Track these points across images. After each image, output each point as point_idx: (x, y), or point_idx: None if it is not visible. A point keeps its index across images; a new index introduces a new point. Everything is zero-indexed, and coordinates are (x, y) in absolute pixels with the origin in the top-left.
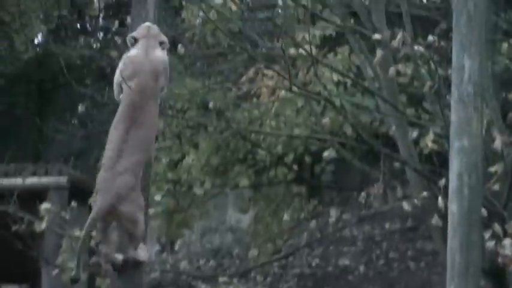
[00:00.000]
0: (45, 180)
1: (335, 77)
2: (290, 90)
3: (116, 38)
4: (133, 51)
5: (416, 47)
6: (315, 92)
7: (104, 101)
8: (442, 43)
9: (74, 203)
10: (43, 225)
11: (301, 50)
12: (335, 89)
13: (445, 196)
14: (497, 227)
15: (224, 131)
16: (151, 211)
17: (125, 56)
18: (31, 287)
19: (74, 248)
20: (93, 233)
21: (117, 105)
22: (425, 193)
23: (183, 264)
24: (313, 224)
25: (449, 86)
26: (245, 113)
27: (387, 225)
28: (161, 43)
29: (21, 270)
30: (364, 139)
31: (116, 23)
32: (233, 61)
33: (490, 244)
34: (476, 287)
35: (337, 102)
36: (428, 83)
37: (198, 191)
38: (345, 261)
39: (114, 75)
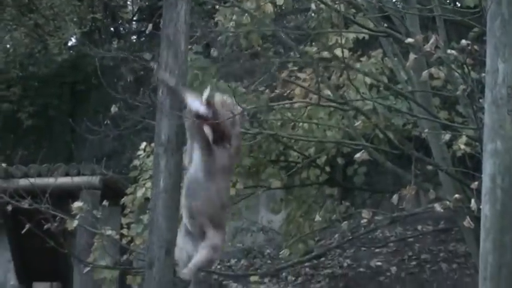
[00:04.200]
0: (77, 179)
1: (368, 80)
2: (318, 104)
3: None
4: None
5: (449, 51)
6: (342, 102)
7: (136, 103)
8: (476, 47)
9: (105, 202)
10: (75, 223)
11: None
12: (368, 92)
13: (478, 198)
14: None
15: (257, 135)
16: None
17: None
18: (63, 285)
19: (106, 246)
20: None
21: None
22: (457, 195)
23: (215, 264)
24: (344, 225)
25: (482, 89)
26: (277, 115)
27: (419, 227)
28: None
29: (52, 268)
30: (395, 143)
31: (149, 26)
32: (266, 64)
33: None
34: None
35: (370, 106)
36: (462, 86)
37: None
38: (376, 262)
39: (147, 78)
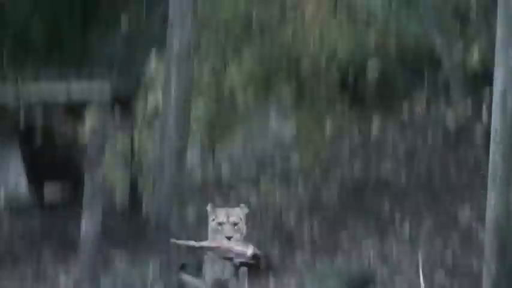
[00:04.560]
0: (87, 88)
1: None
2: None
3: None
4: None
5: None
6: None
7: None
8: None
9: (116, 113)
10: (86, 135)
11: None
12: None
13: (489, 110)
14: None
15: (268, 45)
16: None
17: None
18: (73, 188)
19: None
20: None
21: None
22: (468, 105)
23: (225, 169)
24: (355, 132)
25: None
26: (289, 25)
27: (430, 136)
28: None
29: (64, 171)
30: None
31: None
32: None
33: None
34: None
35: (381, 17)
36: None
37: (240, 98)
38: (386, 171)
39: None
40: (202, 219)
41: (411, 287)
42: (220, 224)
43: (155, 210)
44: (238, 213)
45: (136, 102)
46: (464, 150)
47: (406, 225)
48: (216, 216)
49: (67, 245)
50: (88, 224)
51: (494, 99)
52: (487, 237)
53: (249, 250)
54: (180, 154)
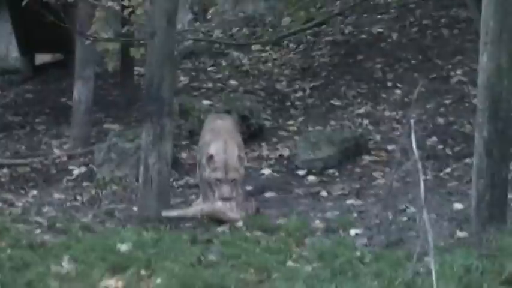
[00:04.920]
0: None
1: None
2: None
3: None
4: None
5: None
6: None
7: None
8: None
9: None
10: None
11: None
12: None
13: None
14: None
15: None
16: None
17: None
18: (65, 55)
19: (107, 17)
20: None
21: None
22: None
23: (216, 33)
24: None
25: None
26: None
27: None
28: None
29: (54, 40)
30: None
31: None
32: None
33: None
34: (509, 53)
35: None
36: None
37: None
38: (378, 29)
39: None
40: (194, 87)
41: (404, 152)
42: (218, 180)
43: (147, 77)
44: (237, 168)
45: None
46: (456, 11)
47: (398, 89)
48: (214, 169)
49: (59, 112)
50: (80, 91)
51: None
52: (479, 99)
53: (240, 216)
54: (171, 17)
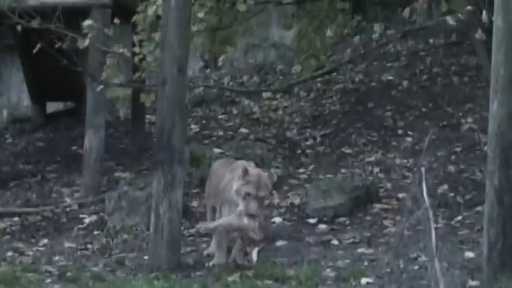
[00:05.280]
0: None
1: None
2: None
3: None
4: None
5: None
6: None
7: None
8: None
9: (116, 20)
10: (86, 42)
11: None
12: None
13: (490, 10)
14: None
15: None
16: (194, 28)
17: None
18: (76, 103)
19: (118, 64)
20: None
21: None
22: (469, 7)
23: (226, 80)
24: (356, 39)
25: None
26: None
27: (431, 40)
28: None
29: (66, 88)
30: None
31: None
32: None
33: None
34: None
35: None
36: None
37: (241, 7)
38: (388, 77)
39: None
40: (205, 135)
41: (415, 200)
42: (248, 194)
43: (157, 125)
44: (267, 185)
45: (136, 10)
46: (466, 59)
47: (409, 137)
48: (246, 182)
49: (71, 161)
50: (91, 139)
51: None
52: (489, 147)
53: (260, 235)
54: (182, 65)
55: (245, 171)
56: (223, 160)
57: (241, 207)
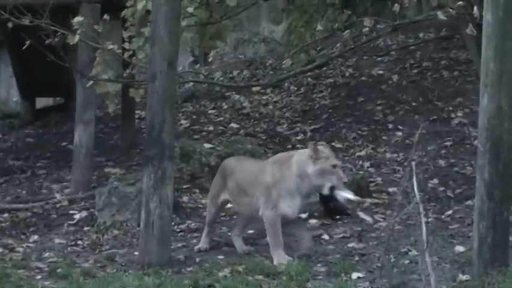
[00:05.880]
0: None
1: None
2: None
3: None
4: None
5: None
6: None
7: None
8: None
9: (106, 16)
10: (76, 38)
11: None
12: None
13: (480, 5)
14: None
15: None
16: (183, 23)
17: None
18: (66, 99)
19: (108, 60)
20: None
21: None
22: (461, 2)
23: (217, 76)
24: (346, 34)
25: None
26: None
27: (421, 35)
28: None
29: (55, 84)
30: None
31: None
32: None
33: None
34: (509, 95)
35: None
36: None
37: (231, 2)
38: (378, 71)
39: None
40: (195, 130)
41: (405, 194)
42: (334, 166)
43: (147, 121)
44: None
45: (126, 5)
46: (456, 53)
47: (399, 132)
48: (325, 157)
49: (60, 157)
50: (81, 135)
51: None
52: (480, 141)
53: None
54: (172, 60)
55: (315, 150)
56: (236, 157)
57: (334, 181)
